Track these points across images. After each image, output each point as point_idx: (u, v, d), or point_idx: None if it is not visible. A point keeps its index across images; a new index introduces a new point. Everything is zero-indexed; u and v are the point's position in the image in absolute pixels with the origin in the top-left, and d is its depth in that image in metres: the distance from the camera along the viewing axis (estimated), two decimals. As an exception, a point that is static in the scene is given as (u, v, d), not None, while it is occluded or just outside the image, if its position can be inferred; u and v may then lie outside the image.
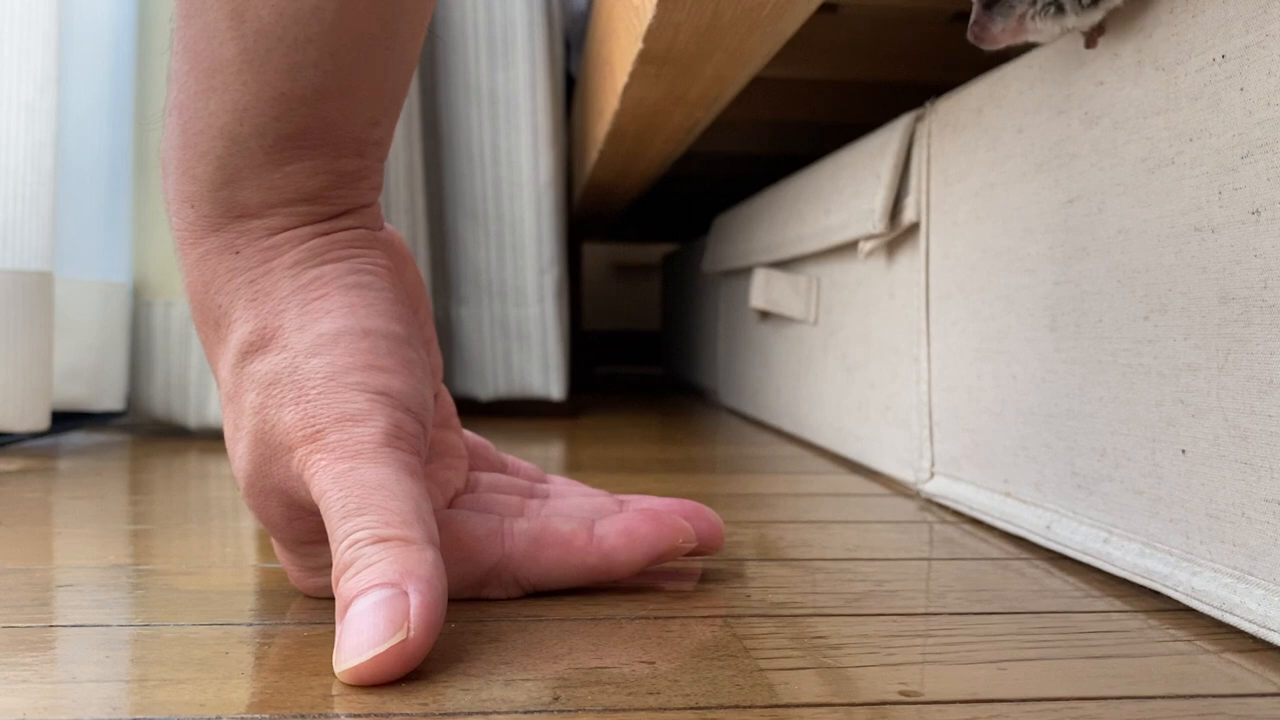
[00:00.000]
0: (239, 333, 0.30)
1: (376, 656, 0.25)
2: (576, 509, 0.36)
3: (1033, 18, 0.37)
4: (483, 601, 0.33)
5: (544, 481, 0.40)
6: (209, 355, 0.32)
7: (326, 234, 0.31)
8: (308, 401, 0.29)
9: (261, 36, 0.28)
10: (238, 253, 0.30)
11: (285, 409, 0.29)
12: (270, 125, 0.29)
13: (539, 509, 0.36)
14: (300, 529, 0.31)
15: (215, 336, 0.31)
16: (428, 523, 0.28)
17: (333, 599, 0.32)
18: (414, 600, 0.25)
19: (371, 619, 0.25)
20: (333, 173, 0.31)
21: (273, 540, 0.33)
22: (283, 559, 0.33)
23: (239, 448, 0.30)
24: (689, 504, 0.37)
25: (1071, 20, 0.36)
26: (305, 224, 0.31)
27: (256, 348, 0.30)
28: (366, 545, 0.26)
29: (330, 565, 0.32)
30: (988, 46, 0.39)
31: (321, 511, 0.28)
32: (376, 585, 0.26)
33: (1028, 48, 0.44)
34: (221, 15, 0.28)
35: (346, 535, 0.27)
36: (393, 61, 0.30)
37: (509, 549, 0.33)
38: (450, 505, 0.35)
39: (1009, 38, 0.38)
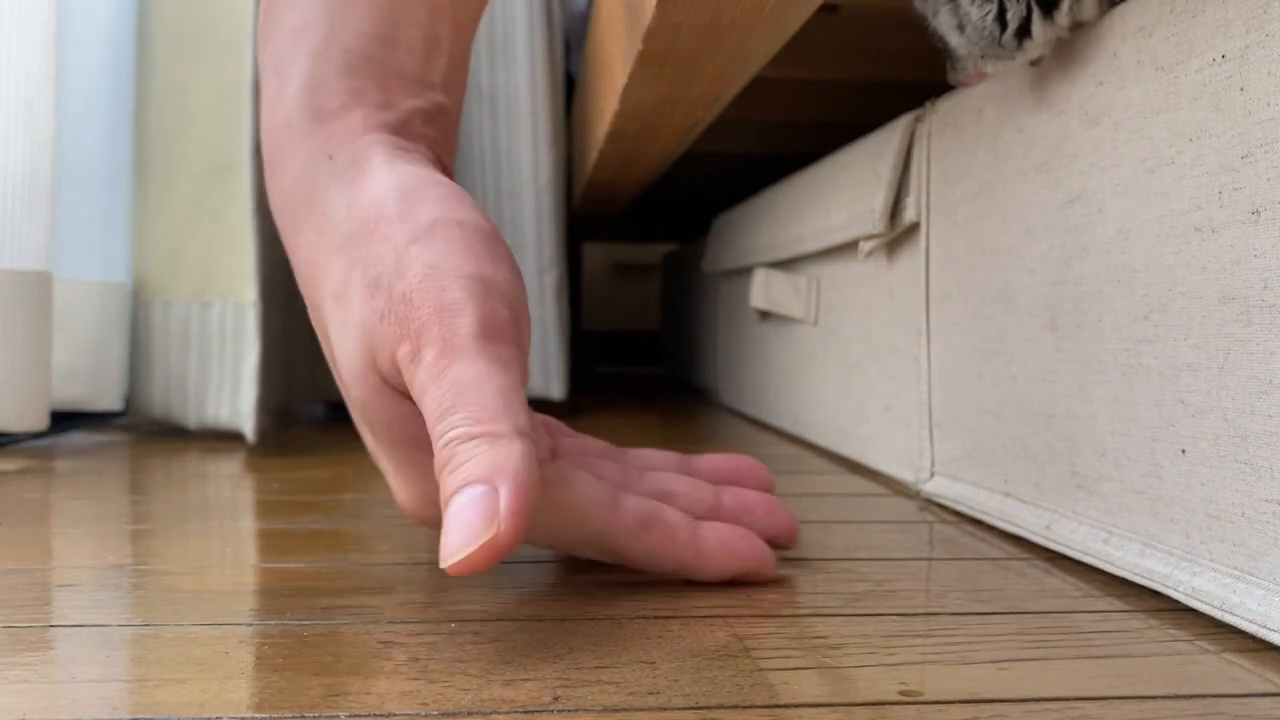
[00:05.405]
0: (343, 230, 0.33)
1: (471, 554, 0.26)
2: (678, 495, 0.37)
3: (982, 59, 0.41)
4: (483, 601, 0.33)
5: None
6: (307, 263, 0.34)
7: (413, 138, 0.36)
8: (410, 291, 0.31)
9: None
10: (331, 156, 0.34)
11: (392, 303, 0.31)
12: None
13: (639, 482, 0.37)
14: (412, 430, 0.32)
15: (319, 242, 0.34)
16: (516, 414, 0.29)
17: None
18: (503, 494, 0.27)
19: (467, 517, 0.27)
20: (400, 93, 0.36)
21: (385, 461, 0.34)
22: (397, 481, 0.34)
23: (346, 346, 0.32)
24: (781, 517, 0.38)
25: (1016, 56, 0.40)
26: (386, 129, 0.35)
27: (362, 240, 0.32)
28: (460, 444, 0.28)
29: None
30: (968, 86, 0.47)
31: (422, 411, 0.30)
32: (468, 484, 0.27)
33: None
34: None
35: (442, 434, 0.29)
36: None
37: (617, 523, 0.34)
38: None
39: (977, 79, 0.43)
